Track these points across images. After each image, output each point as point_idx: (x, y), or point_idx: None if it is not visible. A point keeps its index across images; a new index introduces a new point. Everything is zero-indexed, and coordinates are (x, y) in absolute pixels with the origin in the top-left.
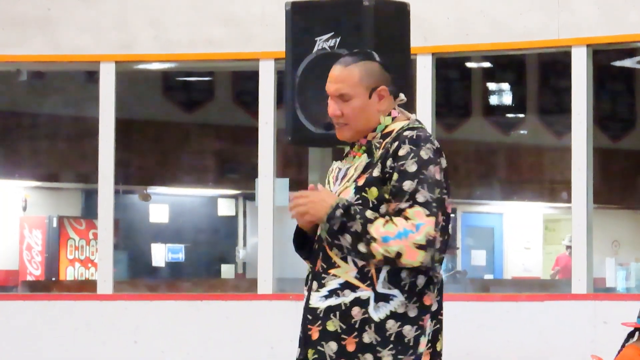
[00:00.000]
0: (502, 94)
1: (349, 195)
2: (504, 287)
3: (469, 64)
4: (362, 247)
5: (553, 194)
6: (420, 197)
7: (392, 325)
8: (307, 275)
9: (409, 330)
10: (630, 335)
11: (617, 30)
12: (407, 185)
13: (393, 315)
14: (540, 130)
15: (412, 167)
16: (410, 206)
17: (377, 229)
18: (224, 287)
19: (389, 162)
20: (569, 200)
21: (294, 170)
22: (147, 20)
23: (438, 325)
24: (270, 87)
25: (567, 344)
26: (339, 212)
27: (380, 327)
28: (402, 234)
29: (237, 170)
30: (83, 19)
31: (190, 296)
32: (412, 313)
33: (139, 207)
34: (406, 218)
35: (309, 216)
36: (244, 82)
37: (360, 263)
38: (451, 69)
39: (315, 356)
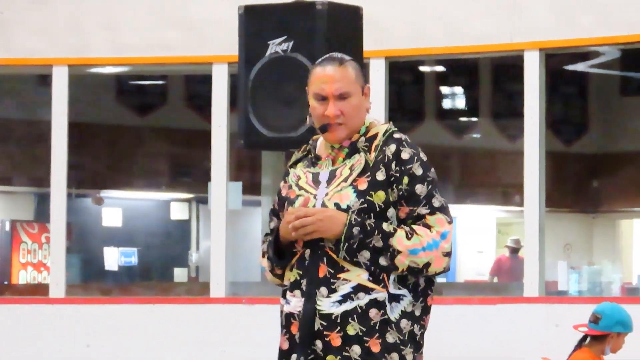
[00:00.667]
0: (455, 97)
1: (350, 199)
2: (457, 291)
3: (422, 68)
4: (383, 261)
5: (506, 198)
6: (436, 202)
7: (405, 325)
8: (295, 281)
9: (417, 329)
10: (583, 339)
11: (570, 34)
12: (419, 188)
13: (404, 314)
14: (493, 133)
15: (419, 170)
16: (431, 213)
17: (401, 241)
18: (176, 290)
19: (393, 166)
20: (521, 204)
21: (247, 173)
22: (100, 24)
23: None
24: (223, 91)
25: (520, 347)
26: (355, 229)
27: (398, 326)
28: (432, 245)
29: (190, 173)
30: (36, 22)
31: (143, 300)
32: (417, 312)
33: (92, 211)
34: (427, 225)
35: (317, 234)
36: (197, 85)
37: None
38: (404, 73)
39: None
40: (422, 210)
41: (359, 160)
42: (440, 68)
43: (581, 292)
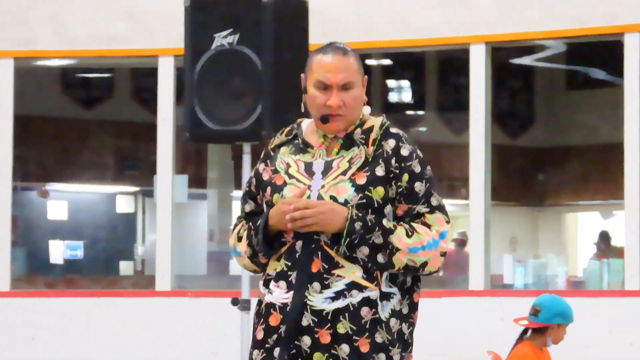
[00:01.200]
0: (401, 91)
1: (348, 193)
2: None
3: (368, 61)
4: (381, 258)
5: (451, 191)
6: (434, 201)
7: (394, 324)
8: (281, 272)
9: (405, 328)
10: (524, 332)
11: (515, 28)
12: (418, 186)
13: (394, 313)
14: (439, 127)
15: (417, 167)
16: (430, 212)
17: (401, 239)
18: (122, 283)
19: (393, 162)
20: (467, 197)
21: (193, 167)
22: (46, 16)
23: None
24: (169, 84)
25: (465, 340)
26: (358, 225)
27: (387, 326)
28: (432, 244)
29: (136, 167)
30: None
31: (89, 293)
32: (405, 310)
33: (37, 204)
34: (426, 224)
35: (317, 227)
36: (143, 78)
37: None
38: None
39: None
40: (422, 208)
41: (358, 154)
42: (386, 61)
43: (527, 286)
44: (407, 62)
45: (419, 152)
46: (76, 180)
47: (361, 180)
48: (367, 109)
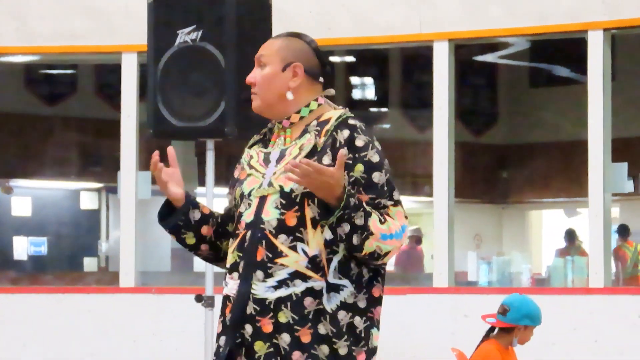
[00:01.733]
0: (365, 88)
1: (294, 183)
2: None
3: (332, 58)
4: (355, 240)
5: (415, 188)
6: (396, 195)
7: (343, 316)
8: (234, 263)
9: (358, 322)
10: (491, 329)
11: (478, 25)
12: (377, 176)
13: (343, 305)
14: (402, 124)
15: (375, 157)
16: (394, 205)
17: (375, 224)
18: (86, 280)
19: (344, 152)
20: (431, 194)
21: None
22: (8, 12)
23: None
24: (132, 80)
25: (429, 337)
26: (352, 201)
27: (333, 318)
28: (396, 235)
29: (100, 163)
30: None
31: (52, 289)
32: (362, 304)
33: (1, 200)
34: (389, 216)
35: (311, 188)
36: (106, 75)
37: (311, 253)
38: None
39: (270, 349)
40: (387, 201)
41: (309, 140)
42: (350, 58)
43: (491, 283)
44: (370, 59)
45: (376, 143)
46: (40, 177)
47: None
48: (289, 95)
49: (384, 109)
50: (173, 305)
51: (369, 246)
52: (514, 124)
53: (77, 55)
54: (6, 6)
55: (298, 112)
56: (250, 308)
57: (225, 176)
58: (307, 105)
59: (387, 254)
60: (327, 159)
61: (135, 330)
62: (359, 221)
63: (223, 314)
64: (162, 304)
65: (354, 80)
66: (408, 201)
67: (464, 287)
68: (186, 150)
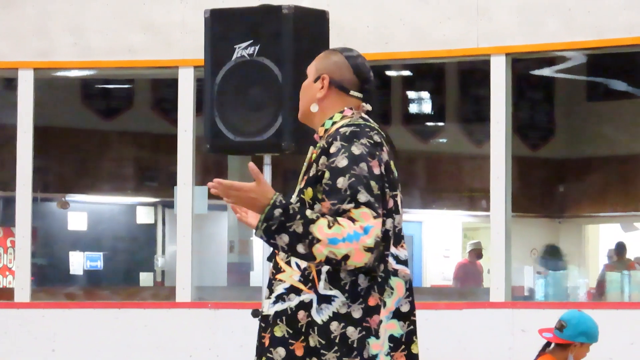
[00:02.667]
0: (421, 102)
1: (294, 197)
2: (423, 295)
3: (388, 72)
4: (301, 248)
5: (472, 203)
6: (362, 198)
7: (336, 327)
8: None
9: (352, 332)
10: (547, 344)
11: (536, 39)
12: (341, 182)
13: (336, 316)
14: (459, 138)
15: (342, 162)
16: (356, 207)
17: (321, 229)
18: (142, 295)
19: (321, 160)
20: (487, 209)
21: (213, 178)
22: (66, 27)
23: (412, 327)
24: (189, 95)
25: (486, 352)
26: (277, 211)
27: (324, 329)
28: (352, 236)
29: (156, 178)
30: (1, 25)
31: (109, 304)
32: (357, 314)
33: (57, 215)
34: (351, 219)
35: (249, 208)
36: (163, 89)
37: (303, 265)
38: None
39: None
40: (347, 205)
41: (312, 152)
42: (406, 72)
43: (547, 297)
44: (427, 74)
45: (353, 148)
46: (96, 191)
47: (302, 183)
48: (313, 107)
49: (440, 124)
50: (229, 320)
51: (319, 252)
52: (570, 138)
53: (134, 70)
54: (63, 21)
55: (322, 125)
56: (261, 326)
57: (282, 191)
58: (331, 118)
59: (345, 257)
60: (313, 171)
61: (191, 345)
62: (299, 229)
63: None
64: (218, 319)
65: (411, 94)
66: (465, 215)
67: (521, 302)
68: (243, 165)
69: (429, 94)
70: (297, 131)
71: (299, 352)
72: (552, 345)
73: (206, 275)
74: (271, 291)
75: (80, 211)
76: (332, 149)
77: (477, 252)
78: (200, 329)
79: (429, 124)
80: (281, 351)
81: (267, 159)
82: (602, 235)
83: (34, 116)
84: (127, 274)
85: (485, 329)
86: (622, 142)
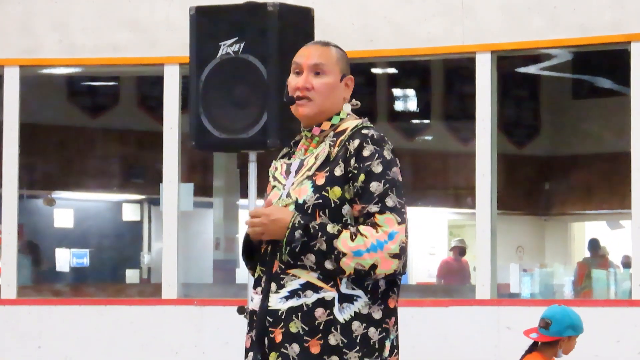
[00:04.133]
0: (407, 99)
1: (307, 193)
2: (409, 293)
3: (374, 70)
4: (329, 265)
5: (457, 200)
6: (390, 202)
7: (357, 327)
8: (258, 278)
9: (373, 333)
10: (534, 343)
11: (521, 37)
12: (374, 186)
13: (357, 316)
14: (445, 136)
15: (377, 167)
16: (381, 212)
17: (345, 243)
18: (128, 292)
19: (352, 162)
20: (473, 206)
21: (199, 175)
22: (51, 25)
23: (399, 331)
24: (175, 92)
25: (471, 350)
26: (298, 233)
27: (345, 328)
28: (376, 246)
29: (142, 175)
30: None
31: (95, 301)
32: (377, 315)
33: (44, 212)
34: (375, 224)
35: (266, 236)
36: (148, 87)
37: None
38: (356, 75)
39: (280, 359)
40: (373, 207)
41: (323, 149)
42: (391, 70)
43: (533, 295)
44: (412, 71)
45: (385, 152)
46: (82, 189)
47: (320, 180)
48: (346, 107)
49: (426, 121)
50: (215, 317)
51: (347, 266)
52: (556, 136)
53: (120, 67)
54: (49, 19)
55: (329, 119)
56: (266, 320)
57: (266, 188)
58: (338, 114)
59: (373, 267)
60: (338, 170)
61: (177, 342)
62: (322, 246)
63: (250, 328)
64: (204, 316)
65: (396, 92)
66: (450, 213)
67: (506, 299)
68: (229, 162)
69: (414, 92)
70: (282, 128)
71: (315, 350)
72: (540, 343)
73: (192, 272)
74: (280, 286)
75: (66, 208)
76: (365, 152)
77: (460, 249)
78: (186, 325)
79: (414, 121)
80: (295, 347)
81: (252, 156)
82: (587, 232)
83: (20, 113)
84: (113, 270)
85: (471, 327)
86: (607, 140)
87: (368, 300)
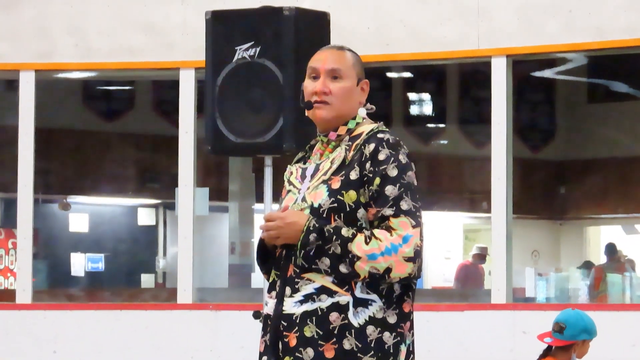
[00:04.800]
0: (422, 104)
1: (322, 197)
2: (424, 297)
3: (389, 74)
4: (343, 268)
5: (473, 204)
6: (404, 205)
7: (372, 331)
8: (272, 282)
9: (388, 337)
10: (549, 347)
11: (536, 41)
12: (390, 190)
13: (372, 320)
14: (460, 140)
15: (393, 171)
16: (395, 215)
17: (360, 246)
18: (143, 296)
19: (367, 165)
20: (488, 210)
21: (214, 179)
22: (67, 29)
23: (415, 337)
24: (190, 96)
25: (487, 354)
26: (312, 236)
27: (360, 333)
28: (390, 249)
29: (157, 179)
30: (2, 27)
31: (110, 306)
32: (392, 320)
33: (59, 217)
34: (389, 228)
35: (281, 240)
36: (164, 91)
37: None
38: (371, 79)
39: None
40: (387, 211)
41: (339, 153)
42: (407, 74)
43: (549, 299)
44: (428, 75)
45: (400, 156)
46: (97, 193)
47: (336, 184)
48: (362, 111)
49: (441, 125)
50: (231, 322)
51: (361, 269)
52: (571, 140)
53: (135, 71)
54: (64, 23)
55: (345, 124)
56: (281, 324)
57: (281, 192)
58: (354, 118)
59: (388, 270)
60: (354, 174)
61: (192, 346)
62: (337, 250)
63: (265, 332)
64: (219, 321)
65: (412, 96)
66: (466, 217)
67: (522, 304)
68: (244, 167)
69: (429, 96)
70: (298, 132)
71: (329, 354)
72: (554, 347)
73: (207, 276)
74: (295, 290)
75: (82, 213)
76: (381, 156)
77: (481, 257)
78: (202, 330)
79: (429, 125)
80: (310, 352)
81: (268, 160)
82: (603, 237)
83: (35, 118)
84: (128, 275)
85: (487, 331)
86: (622, 144)
87: (383, 304)
